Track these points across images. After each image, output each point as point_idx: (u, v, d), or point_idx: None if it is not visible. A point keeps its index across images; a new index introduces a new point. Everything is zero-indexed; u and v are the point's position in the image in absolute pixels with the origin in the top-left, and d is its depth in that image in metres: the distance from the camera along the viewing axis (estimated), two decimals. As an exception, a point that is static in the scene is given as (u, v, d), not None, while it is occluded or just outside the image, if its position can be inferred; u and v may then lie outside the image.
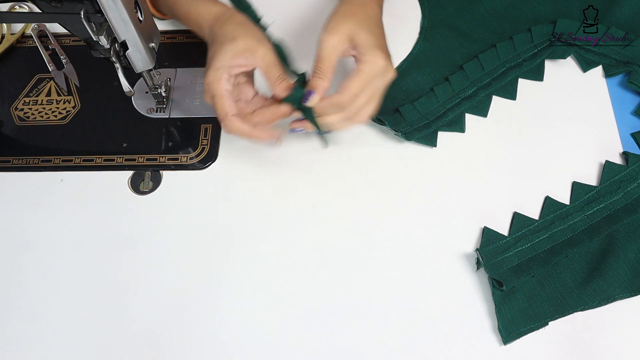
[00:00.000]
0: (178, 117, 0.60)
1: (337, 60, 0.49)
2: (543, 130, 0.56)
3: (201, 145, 0.58)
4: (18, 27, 0.66)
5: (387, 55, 0.49)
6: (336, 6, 0.50)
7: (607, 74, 0.58)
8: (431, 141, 0.56)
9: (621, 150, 0.54)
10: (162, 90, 0.59)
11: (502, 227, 0.51)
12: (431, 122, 0.56)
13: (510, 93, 0.58)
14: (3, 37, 0.66)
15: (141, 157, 0.58)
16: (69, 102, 0.61)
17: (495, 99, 0.58)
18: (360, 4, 0.50)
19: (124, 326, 0.50)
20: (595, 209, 0.51)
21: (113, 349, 0.49)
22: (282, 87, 0.49)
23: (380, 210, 0.53)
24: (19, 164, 0.58)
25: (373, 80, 0.48)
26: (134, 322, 0.50)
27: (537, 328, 0.47)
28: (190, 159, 0.57)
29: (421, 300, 0.49)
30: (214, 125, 0.59)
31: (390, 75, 0.49)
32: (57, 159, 0.58)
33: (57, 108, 0.61)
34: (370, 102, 0.49)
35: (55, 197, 0.56)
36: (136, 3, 0.48)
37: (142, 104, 0.60)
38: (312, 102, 0.49)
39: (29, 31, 0.66)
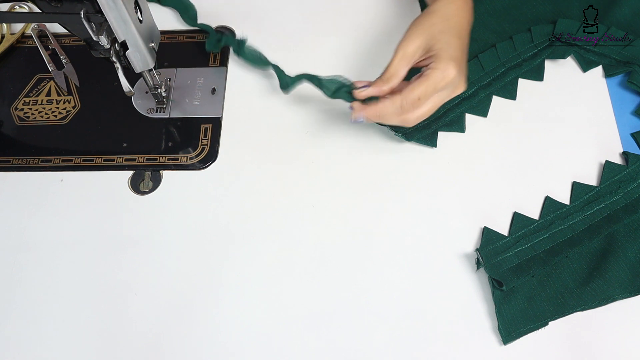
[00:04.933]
0: (178, 117, 0.60)
1: (407, 68, 0.49)
2: (543, 130, 0.56)
3: (201, 145, 0.58)
4: (18, 27, 0.66)
5: (460, 68, 0.48)
6: (418, 17, 0.50)
7: (607, 74, 0.58)
8: (431, 141, 0.56)
9: (621, 150, 0.54)
10: (162, 90, 0.59)
11: (502, 227, 0.51)
12: (431, 122, 0.56)
13: (510, 93, 0.58)
14: (3, 37, 0.66)
15: (141, 157, 0.58)
16: (69, 102, 0.61)
17: (495, 99, 0.58)
18: (443, 16, 0.49)
19: (124, 326, 0.50)
20: (595, 209, 0.51)
21: (113, 348, 0.49)
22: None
23: (381, 210, 0.53)
24: (19, 164, 0.58)
25: (438, 89, 0.48)
26: (134, 322, 0.50)
27: (537, 328, 0.47)
28: (190, 159, 0.57)
29: (421, 300, 0.49)
30: (214, 125, 0.59)
31: (460, 89, 0.49)
32: (57, 159, 0.58)
33: (57, 108, 0.61)
34: (428, 109, 0.49)
35: (55, 197, 0.56)
36: (136, 3, 0.48)
37: (142, 104, 0.60)
38: (361, 93, 0.50)
39: (29, 31, 0.66)
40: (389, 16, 0.63)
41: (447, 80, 0.47)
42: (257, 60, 0.59)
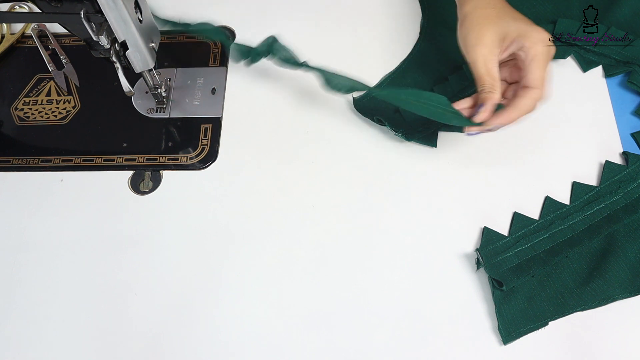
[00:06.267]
0: (178, 117, 0.60)
1: (497, 66, 0.47)
2: (543, 130, 0.56)
3: (201, 145, 0.58)
4: (18, 27, 0.66)
5: (536, 25, 0.47)
6: (461, 19, 0.49)
7: (607, 74, 0.58)
8: (431, 141, 0.56)
9: (621, 150, 0.54)
10: (162, 90, 0.59)
11: (502, 227, 0.51)
12: (431, 122, 0.56)
13: (510, 93, 0.58)
14: (3, 37, 0.66)
15: (141, 157, 0.58)
16: (69, 102, 0.61)
17: (495, 99, 0.58)
18: (486, 5, 0.48)
19: (123, 326, 0.50)
20: (595, 209, 0.51)
21: (113, 348, 0.49)
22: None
23: (380, 211, 0.53)
24: (19, 164, 0.58)
25: (550, 56, 0.47)
26: (133, 322, 0.50)
27: (537, 328, 0.47)
28: (190, 159, 0.57)
29: (421, 300, 0.49)
30: (214, 125, 0.59)
31: (553, 49, 0.48)
32: (57, 159, 0.58)
33: (57, 108, 0.61)
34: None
35: (55, 197, 0.56)
36: (136, 3, 0.48)
37: (142, 104, 0.60)
38: (481, 116, 0.47)
39: (29, 31, 0.66)
40: (389, 15, 0.63)
41: (548, 43, 0.46)
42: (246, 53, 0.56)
